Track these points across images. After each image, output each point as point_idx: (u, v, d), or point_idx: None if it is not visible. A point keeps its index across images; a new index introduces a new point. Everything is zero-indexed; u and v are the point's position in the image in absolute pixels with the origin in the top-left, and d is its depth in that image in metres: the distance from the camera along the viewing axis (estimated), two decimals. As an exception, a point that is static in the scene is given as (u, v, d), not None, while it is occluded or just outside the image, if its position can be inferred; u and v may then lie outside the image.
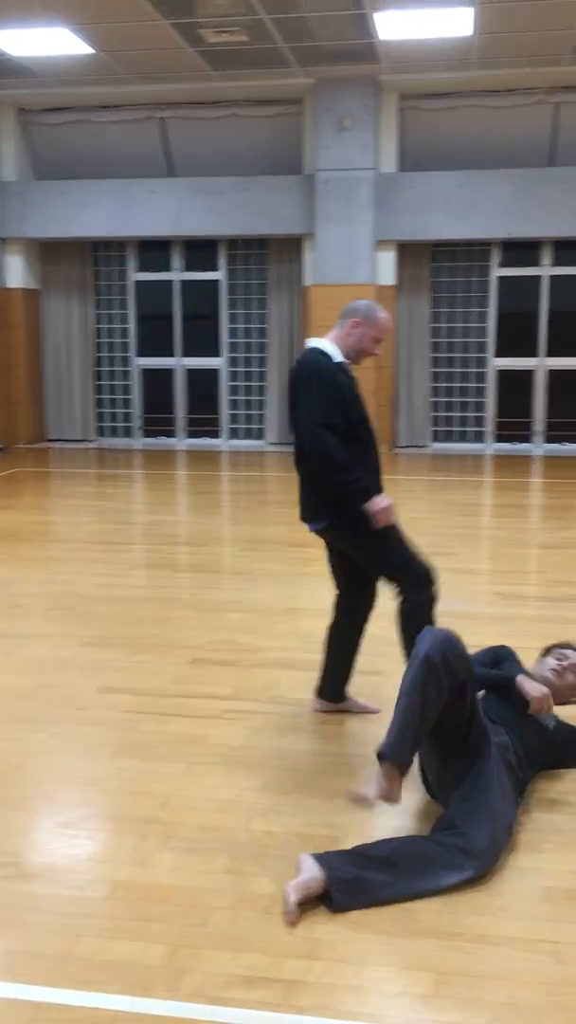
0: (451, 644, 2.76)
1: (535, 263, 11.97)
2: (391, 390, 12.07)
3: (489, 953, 2.36)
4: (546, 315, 12.09)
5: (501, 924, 2.48)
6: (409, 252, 11.91)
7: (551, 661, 3.39)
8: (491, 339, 12.23)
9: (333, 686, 3.79)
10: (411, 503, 8.46)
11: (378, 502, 3.40)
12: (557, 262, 11.92)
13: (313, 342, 3.59)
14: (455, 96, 11.12)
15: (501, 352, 12.25)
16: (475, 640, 3.35)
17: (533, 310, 12.08)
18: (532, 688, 3.09)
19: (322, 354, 3.50)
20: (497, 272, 12.06)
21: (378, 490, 3.48)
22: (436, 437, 12.55)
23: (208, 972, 2.26)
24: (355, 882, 2.51)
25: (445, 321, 12.26)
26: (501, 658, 3.34)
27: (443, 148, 11.49)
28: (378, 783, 2.65)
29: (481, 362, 12.30)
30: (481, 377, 12.35)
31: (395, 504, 3.47)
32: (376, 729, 3.39)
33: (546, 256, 11.92)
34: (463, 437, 12.57)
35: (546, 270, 11.97)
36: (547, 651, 3.50)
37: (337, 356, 3.51)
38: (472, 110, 11.19)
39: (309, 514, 3.59)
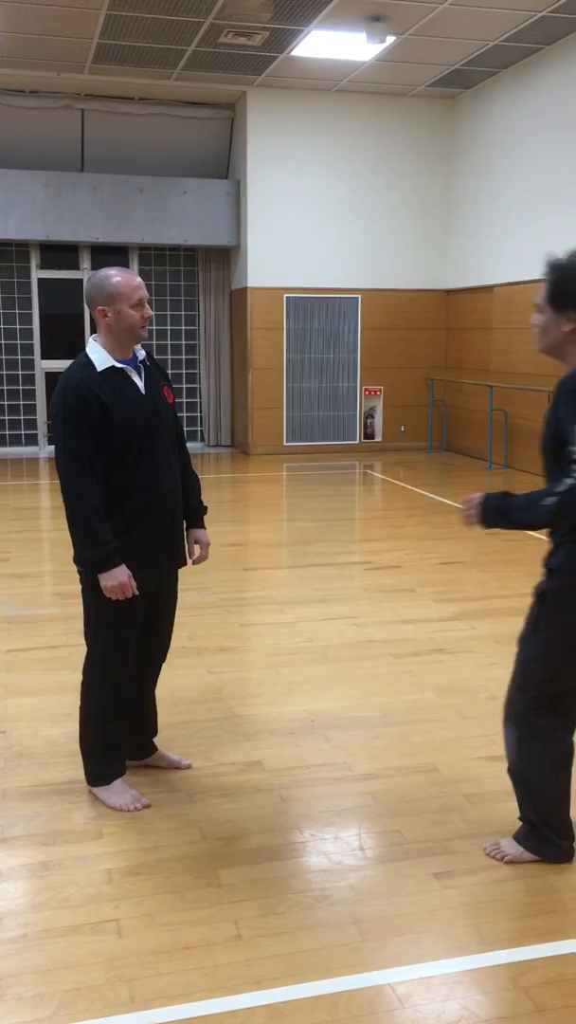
0: None
1: (75, 266, 12.13)
2: None
3: (55, 946, 2.41)
4: (89, 317, 12.32)
5: (65, 915, 2.54)
6: (-57, 250, 11.43)
7: None
8: (36, 341, 12.17)
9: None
10: (-37, 511, 8.17)
11: (110, 576, 2.86)
12: (96, 266, 12.19)
13: (89, 345, 3.04)
14: (-20, 93, 10.86)
15: (47, 354, 12.25)
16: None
17: (77, 312, 12.25)
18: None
19: (85, 365, 2.95)
20: (38, 274, 12.02)
21: (155, 547, 2.99)
22: (-13, 442, 12.23)
23: None
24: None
25: (-12, 323, 11.98)
26: None
27: (-28, 145, 11.16)
28: None
29: (28, 364, 12.20)
30: (29, 380, 12.25)
31: (128, 583, 2.90)
32: None
33: (85, 260, 12.13)
34: (15, 441, 12.38)
35: (85, 274, 12.19)
36: None
37: (104, 361, 2.95)
38: (1, 108, 11.01)
39: None
